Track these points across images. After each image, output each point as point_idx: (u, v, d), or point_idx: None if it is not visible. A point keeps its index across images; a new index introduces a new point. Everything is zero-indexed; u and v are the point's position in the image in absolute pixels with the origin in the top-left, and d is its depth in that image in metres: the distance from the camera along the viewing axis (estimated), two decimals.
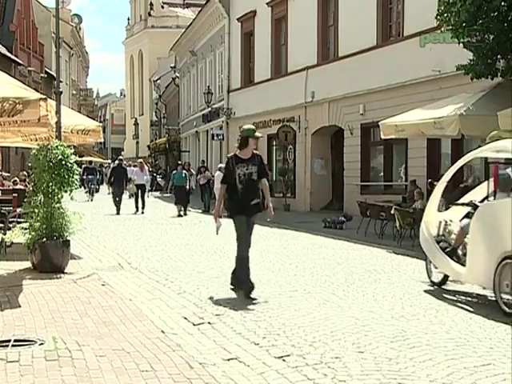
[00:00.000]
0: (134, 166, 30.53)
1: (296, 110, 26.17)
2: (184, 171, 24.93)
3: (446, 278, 9.48)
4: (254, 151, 8.90)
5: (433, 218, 9.82)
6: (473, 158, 10.16)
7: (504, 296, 7.90)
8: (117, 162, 27.68)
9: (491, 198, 8.88)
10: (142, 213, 24.19)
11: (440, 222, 9.64)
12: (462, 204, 9.42)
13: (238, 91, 32.08)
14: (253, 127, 9.19)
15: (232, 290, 8.91)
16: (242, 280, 8.75)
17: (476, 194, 9.49)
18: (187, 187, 24.42)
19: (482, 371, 5.52)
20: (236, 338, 6.54)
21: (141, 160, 29.45)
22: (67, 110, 14.60)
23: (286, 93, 26.34)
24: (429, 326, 7.15)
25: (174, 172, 25.53)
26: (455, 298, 8.88)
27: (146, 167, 28.32)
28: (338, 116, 23.46)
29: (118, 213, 23.68)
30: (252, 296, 8.50)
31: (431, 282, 9.77)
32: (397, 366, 5.64)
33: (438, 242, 9.52)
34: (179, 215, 23.16)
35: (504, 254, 7.88)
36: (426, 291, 9.29)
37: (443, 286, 9.50)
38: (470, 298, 8.90)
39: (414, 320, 7.39)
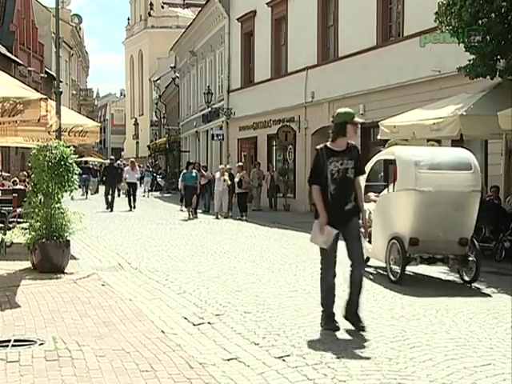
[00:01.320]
0: (126, 165, 31.63)
1: (296, 110, 26.18)
2: (194, 171, 23.75)
3: (368, 257, 11.01)
4: (350, 142, 7.00)
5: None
6: (377, 160, 12.11)
7: (392, 267, 10.12)
8: (108, 161, 29.86)
9: (391, 191, 10.71)
10: (134, 208, 25.56)
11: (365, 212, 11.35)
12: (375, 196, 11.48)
13: (238, 91, 32.09)
14: (350, 110, 7.14)
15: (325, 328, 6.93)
16: (325, 311, 7.03)
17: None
18: (197, 188, 23.34)
19: (481, 371, 5.52)
20: (236, 337, 6.54)
21: (132, 160, 30.81)
22: (66, 110, 14.56)
23: (286, 93, 26.34)
24: (429, 326, 7.15)
25: (185, 172, 24.35)
26: (369, 271, 10.82)
27: (138, 167, 29.44)
28: None
29: (109, 209, 24.96)
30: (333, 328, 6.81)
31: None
32: (397, 366, 5.64)
33: None
34: (190, 217, 22.30)
35: (392, 234, 10.17)
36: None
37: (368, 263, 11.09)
38: (382, 272, 10.70)
39: (413, 320, 7.39)
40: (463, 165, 10.07)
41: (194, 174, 23.35)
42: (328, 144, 6.94)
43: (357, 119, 6.97)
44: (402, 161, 10.34)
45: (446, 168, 10.06)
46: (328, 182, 6.78)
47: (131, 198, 26.14)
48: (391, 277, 10.06)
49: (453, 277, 10.60)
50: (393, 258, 10.13)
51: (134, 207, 25.94)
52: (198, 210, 24.67)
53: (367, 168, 11.86)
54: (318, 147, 7.02)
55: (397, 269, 9.97)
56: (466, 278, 10.08)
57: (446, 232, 9.92)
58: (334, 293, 6.96)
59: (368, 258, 11.16)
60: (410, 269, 10.44)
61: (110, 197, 25.60)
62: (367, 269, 10.80)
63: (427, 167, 9.96)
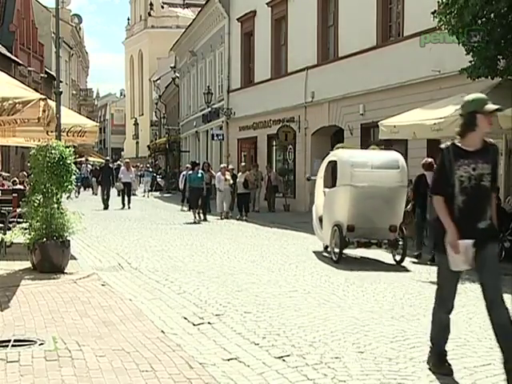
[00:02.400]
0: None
1: (296, 110, 26.17)
2: (201, 171, 22.31)
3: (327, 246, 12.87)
4: (486, 139, 5.40)
5: (321, 202, 13.29)
6: (327, 161, 13.78)
7: (335, 250, 12.17)
8: (104, 162, 32.60)
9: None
10: (129, 208, 26.84)
11: None
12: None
13: (238, 91, 32.08)
14: (481, 95, 5.62)
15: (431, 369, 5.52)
16: (434, 348, 5.51)
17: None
18: (204, 189, 21.84)
19: (481, 371, 5.52)
20: (236, 338, 6.54)
21: (127, 160, 33.06)
22: (65, 110, 14.53)
23: (286, 93, 26.33)
24: (429, 326, 7.13)
25: (190, 173, 22.72)
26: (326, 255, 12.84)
27: (132, 167, 30.99)
28: (338, 116, 23.45)
29: (105, 208, 26.21)
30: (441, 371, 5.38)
31: (324, 248, 13.29)
32: (397, 366, 5.64)
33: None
34: (195, 222, 20.87)
35: (334, 222, 12.30)
36: (422, 290, 9.35)
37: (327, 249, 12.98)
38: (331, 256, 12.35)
39: (414, 320, 7.39)
40: (392, 164, 12.34)
41: (199, 175, 22.01)
42: (456, 142, 5.33)
43: (489, 106, 5.40)
44: (341, 162, 12.61)
45: (378, 167, 12.25)
46: (455, 191, 5.21)
47: (125, 197, 27.48)
48: (333, 257, 12.14)
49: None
50: (335, 242, 12.20)
51: (129, 207, 27.03)
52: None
53: (320, 171, 14.15)
54: (443, 146, 5.43)
55: (338, 251, 12.06)
56: (397, 259, 12.14)
57: (378, 220, 12.09)
58: (447, 331, 5.47)
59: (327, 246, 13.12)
60: (358, 252, 12.90)
61: (105, 196, 27.00)
62: (324, 253, 13.11)
63: (362, 167, 12.16)
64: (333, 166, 13.43)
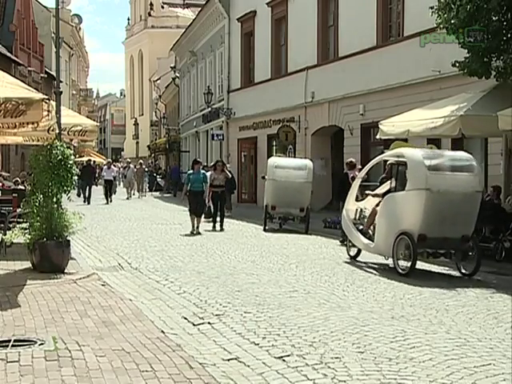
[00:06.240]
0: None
1: (296, 110, 26.16)
2: (203, 171, 18.92)
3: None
4: None
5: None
6: (269, 165, 19.11)
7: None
8: (86, 161, 35.77)
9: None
10: (110, 201, 30.42)
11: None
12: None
13: (238, 91, 32.07)
14: None
15: None
16: None
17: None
18: (205, 193, 18.45)
19: (482, 371, 5.52)
20: (236, 338, 6.54)
21: (109, 160, 38.74)
22: (65, 110, 14.55)
23: (286, 93, 26.33)
24: (429, 326, 7.15)
25: (190, 172, 19.00)
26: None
27: (113, 166, 34.38)
28: (338, 116, 23.45)
29: (87, 202, 29.44)
30: None
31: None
32: (397, 366, 5.64)
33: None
34: (197, 232, 17.33)
35: (265, 202, 18.90)
36: (423, 290, 9.35)
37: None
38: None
39: (414, 320, 7.39)
40: (302, 167, 18.72)
41: (201, 176, 18.39)
42: None
43: None
44: (269, 165, 19.01)
45: (292, 168, 18.60)
46: None
47: (108, 192, 30.84)
48: (264, 228, 18.37)
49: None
50: (264, 216, 18.68)
51: (111, 200, 30.51)
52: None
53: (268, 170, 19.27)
54: None
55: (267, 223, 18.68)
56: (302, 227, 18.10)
57: (294, 202, 18.00)
58: None
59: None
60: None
61: (87, 192, 30.35)
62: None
63: (281, 168, 18.53)
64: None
